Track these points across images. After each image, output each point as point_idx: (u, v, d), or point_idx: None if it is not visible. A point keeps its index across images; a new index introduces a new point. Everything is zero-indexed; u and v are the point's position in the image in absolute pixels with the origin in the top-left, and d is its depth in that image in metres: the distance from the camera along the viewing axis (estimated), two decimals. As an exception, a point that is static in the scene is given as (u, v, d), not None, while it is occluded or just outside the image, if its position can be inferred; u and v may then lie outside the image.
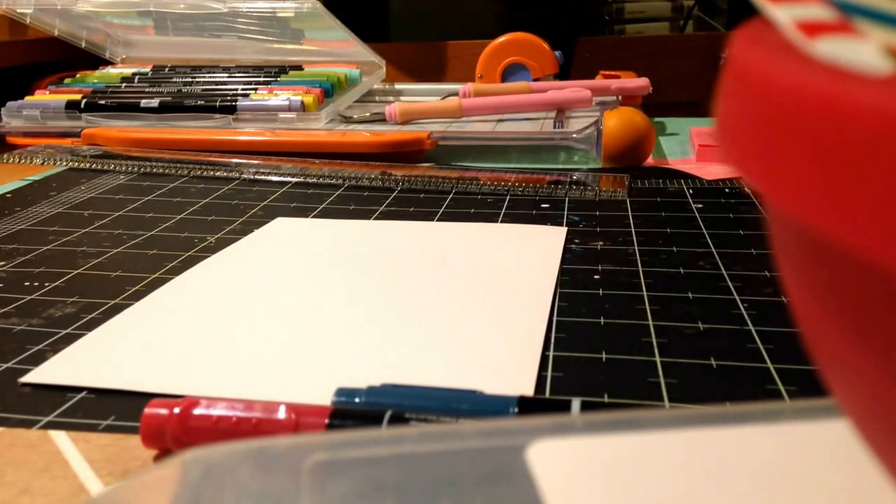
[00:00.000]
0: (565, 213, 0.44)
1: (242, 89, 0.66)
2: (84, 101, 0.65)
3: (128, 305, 0.32)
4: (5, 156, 0.57)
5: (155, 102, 0.64)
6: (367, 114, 0.65)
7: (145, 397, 0.25)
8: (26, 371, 0.27)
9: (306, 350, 0.28)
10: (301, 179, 0.51)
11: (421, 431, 0.20)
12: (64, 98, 0.66)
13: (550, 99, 0.64)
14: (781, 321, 0.29)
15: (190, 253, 0.39)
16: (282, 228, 0.42)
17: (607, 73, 0.71)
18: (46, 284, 0.35)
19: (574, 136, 0.55)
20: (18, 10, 0.72)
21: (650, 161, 0.55)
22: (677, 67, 0.94)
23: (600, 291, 0.33)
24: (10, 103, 0.65)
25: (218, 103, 0.63)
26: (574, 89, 0.64)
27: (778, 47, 0.10)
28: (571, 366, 0.26)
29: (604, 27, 1.10)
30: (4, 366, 0.27)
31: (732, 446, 0.18)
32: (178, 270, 0.36)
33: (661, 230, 0.40)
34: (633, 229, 0.41)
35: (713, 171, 0.52)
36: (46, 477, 0.21)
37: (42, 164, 0.57)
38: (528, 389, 0.25)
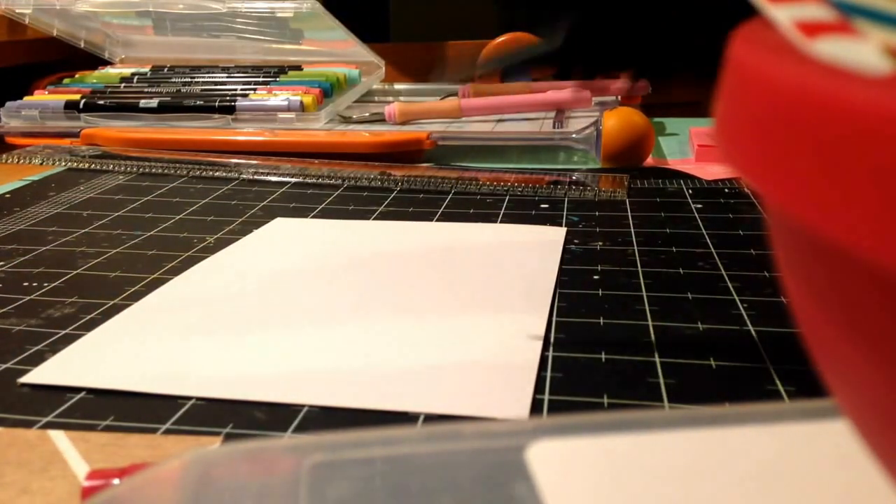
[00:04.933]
0: (565, 213, 0.44)
1: (241, 89, 0.66)
2: (83, 101, 0.65)
3: (127, 306, 0.32)
4: (4, 156, 0.57)
5: (154, 102, 0.64)
6: (367, 114, 0.65)
7: (144, 397, 0.25)
8: (25, 371, 0.27)
9: (305, 350, 0.28)
10: (300, 180, 0.51)
11: (421, 432, 0.20)
12: (63, 98, 0.66)
13: (550, 99, 0.64)
14: (781, 321, 0.29)
15: (189, 253, 0.39)
16: (281, 229, 0.42)
17: (607, 73, 0.71)
18: (45, 285, 0.35)
19: (573, 136, 0.55)
20: (17, 10, 0.72)
21: (650, 161, 0.55)
22: (676, 67, 0.94)
23: (600, 292, 0.33)
24: (8, 103, 0.65)
25: (217, 103, 0.63)
26: (573, 89, 0.64)
27: (778, 47, 0.10)
28: (571, 366, 0.26)
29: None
30: (3, 366, 0.27)
31: (732, 447, 0.18)
32: (177, 271, 0.36)
33: (660, 230, 0.40)
34: (632, 230, 0.41)
35: (713, 171, 0.52)
36: (45, 477, 0.21)
37: (41, 164, 0.57)
38: (528, 390, 0.25)
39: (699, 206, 0.44)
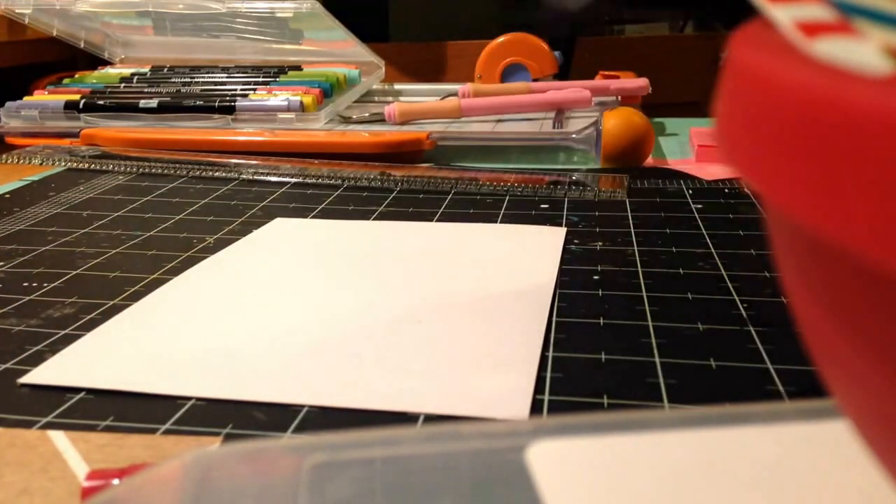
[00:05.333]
0: (564, 213, 0.43)
1: (241, 89, 0.66)
2: (83, 101, 0.65)
3: (127, 306, 0.32)
4: (4, 156, 0.57)
5: (154, 103, 0.64)
6: (367, 114, 0.65)
7: (144, 398, 0.25)
8: (25, 371, 0.27)
9: (305, 351, 0.28)
10: (300, 180, 0.51)
11: (421, 432, 0.20)
12: (62, 98, 0.66)
13: (550, 99, 0.64)
14: (781, 322, 0.29)
15: (189, 253, 0.39)
16: (281, 229, 0.42)
17: (607, 73, 0.72)
18: (45, 285, 0.35)
19: (573, 136, 0.55)
20: (17, 10, 0.72)
21: (650, 161, 0.55)
22: (677, 67, 0.94)
23: (600, 292, 0.33)
24: (8, 104, 0.65)
25: (217, 103, 0.63)
26: (573, 90, 0.64)
27: (778, 48, 0.10)
28: (571, 366, 0.26)
29: (603, 27, 1.10)
30: (3, 366, 0.27)
31: (732, 447, 0.18)
32: (176, 271, 0.36)
33: (660, 231, 0.40)
34: (632, 230, 0.41)
35: (713, 171, 0.52)
36: (45, 477, 0.21)
37: (41, 164, 0.57)
38: (528, 390, 0.25)
39: (699, 206, 0.44)
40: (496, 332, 0.29)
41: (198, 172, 0.54)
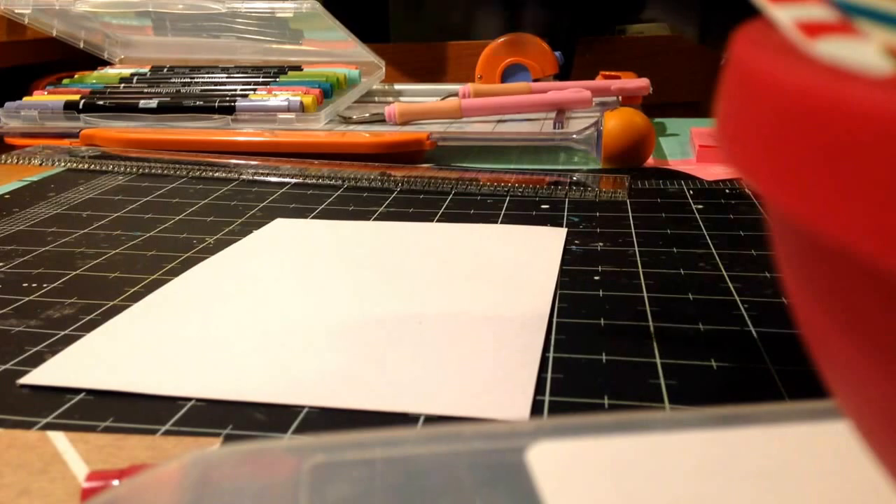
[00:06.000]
0: (565, 213, 0.43)
1: (241, 90, 0.66)
2: (82, 101, 0.65)
3: (126, 307, 0.32)
4: (3, 156, 0.57)
5: (153, 103, 0.64)
6: (367, 114, 0.65)
7: (144, 398, 0.25)
8: (25, 372, 0.27)
9: (305, 352, 0.28)
10: (300, 180, 0.51)
11: (421, 433, 0.20)
12: (62, 99, 0.66)
13: (550, 99, 0.64)
14: (782, 322, 0.29)
15: (189, 254, 0.38)
16: (281, 229, 0.42)
17: (607, 73, 0.72)
18: (45, 285, 0.35)
19: (574, 136, 0.55)
20: (17, 11, 0.72)
21: (650, 162, 0.55)
22: (677, 67, 0.94)
23: (600, 292, 0.33)
24: (8, 104, 0.65)
25: (217, 104, 0.63)
26: (574, 90, 0.64)
27: (779, 48, 0.10)
28: (571, 367, 0.26)
29: (604, 27, 1.10)
30: (3, 367, 0.27)
31: (733, 448, 0.18)
32: (176, 272, 0.36)
33: (661, 231, 0.40)
34: (633, 230, 0.41)
35: (714, 171, 0.52)
36: (45, 478, 0.21)
37: (40, 164, 0.57)
38: (529, 391, 0.25)
39: (700, 206, 0.44)
40: (497, 332, 0.29)
41: (198, 173, 0.54)
